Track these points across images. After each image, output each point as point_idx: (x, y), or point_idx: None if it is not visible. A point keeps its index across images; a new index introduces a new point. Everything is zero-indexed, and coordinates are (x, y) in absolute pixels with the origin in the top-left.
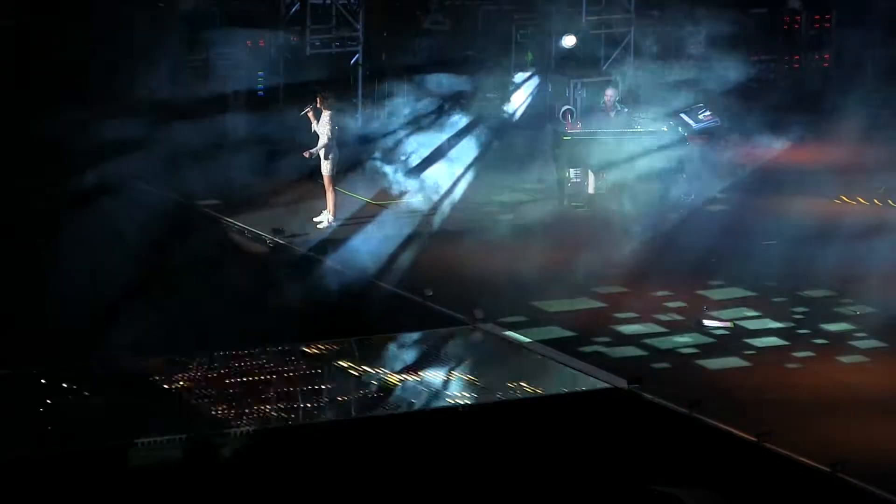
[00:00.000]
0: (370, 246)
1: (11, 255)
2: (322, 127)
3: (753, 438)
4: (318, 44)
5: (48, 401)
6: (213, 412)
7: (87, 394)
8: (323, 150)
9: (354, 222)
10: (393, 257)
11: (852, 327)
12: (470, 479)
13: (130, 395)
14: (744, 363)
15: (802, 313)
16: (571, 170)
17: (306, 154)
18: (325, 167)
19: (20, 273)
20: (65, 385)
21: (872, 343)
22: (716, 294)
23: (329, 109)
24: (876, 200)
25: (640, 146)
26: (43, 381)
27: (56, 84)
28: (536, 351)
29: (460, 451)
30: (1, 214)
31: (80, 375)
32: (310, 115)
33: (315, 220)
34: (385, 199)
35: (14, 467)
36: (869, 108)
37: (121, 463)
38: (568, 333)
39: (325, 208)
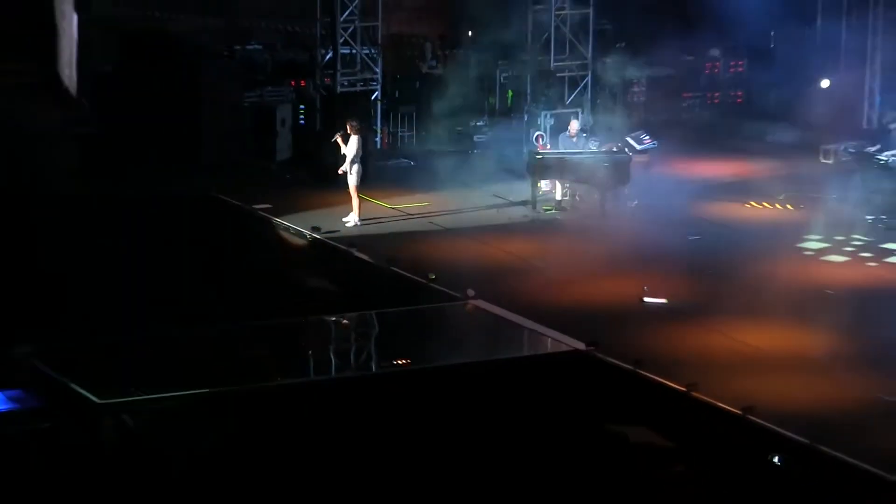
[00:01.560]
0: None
1: None
2: (350, 148)
3: (683, 389)
4: (346, 84)
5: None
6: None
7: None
8: (349, 165)
9: (375, 222)
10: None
11: (767, 301)
12: (454, 427)
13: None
14: (677, 330)
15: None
16: (542, 181)
17: (340, 171)
18: (352, 179)
19: None
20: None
21: (780, 312)
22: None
23: (357, 134)
24: (777, 205)
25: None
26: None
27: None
28: (514, 321)
29: (447, 404)
30: None
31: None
32: (339, 140)
33: (344, 219)
34: (400, 203)
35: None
36: (773, 133)
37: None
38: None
39: (353, 210)
